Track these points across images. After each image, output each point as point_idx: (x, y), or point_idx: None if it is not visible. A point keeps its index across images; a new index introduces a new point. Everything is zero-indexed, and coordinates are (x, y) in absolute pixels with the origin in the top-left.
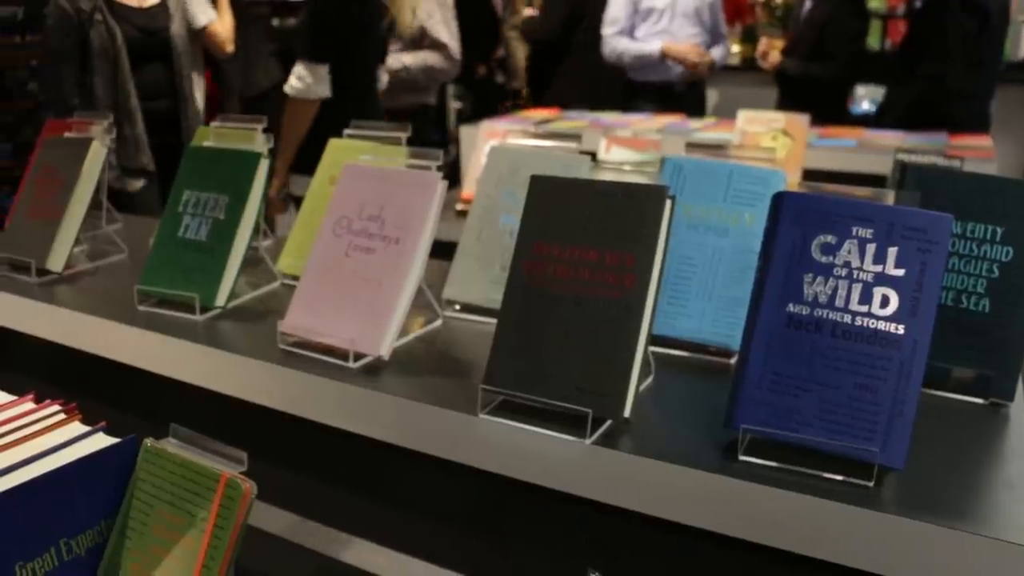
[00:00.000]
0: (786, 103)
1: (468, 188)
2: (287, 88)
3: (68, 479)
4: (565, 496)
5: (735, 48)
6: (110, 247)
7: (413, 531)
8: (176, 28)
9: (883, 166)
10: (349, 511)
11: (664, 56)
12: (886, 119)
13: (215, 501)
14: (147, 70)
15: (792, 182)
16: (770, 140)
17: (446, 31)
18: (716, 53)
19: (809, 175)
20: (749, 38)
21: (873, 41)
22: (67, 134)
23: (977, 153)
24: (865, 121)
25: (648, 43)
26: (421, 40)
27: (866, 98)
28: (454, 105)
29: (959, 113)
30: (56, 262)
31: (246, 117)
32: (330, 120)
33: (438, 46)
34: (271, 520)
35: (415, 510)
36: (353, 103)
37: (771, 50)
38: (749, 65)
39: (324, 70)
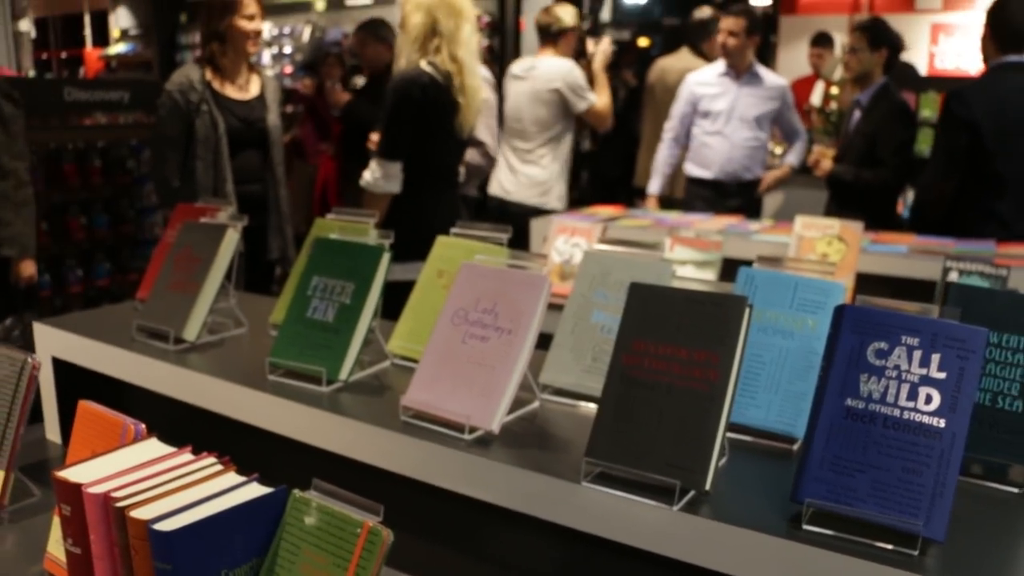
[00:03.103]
0: (837, 205)
1: None
2: (361, 180)
3: (230, 520)
4: (654, 556)
5: None
6: (228, 320)
7: None
8: (272, 119)
9: (933, 272)
10: (457, 570)
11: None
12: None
13: (358, 546)
14: (243, 156)
15: (847, 286)
16: (825, 245)
17: (487, 131)
18: (792, 159)
19: (862, 279)
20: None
21: (923, 147)
22: (203, 219)
23: None
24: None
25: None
26: None
27: None
28: None
29: (979, 225)
30: (191, 332)
31: (358, 211)
32: (409, 210)
33: (477, 144)
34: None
35: (515, 570)
36: (431, 197)
37: (822, 159)
38: (802, 168)
39: (395, 168)
